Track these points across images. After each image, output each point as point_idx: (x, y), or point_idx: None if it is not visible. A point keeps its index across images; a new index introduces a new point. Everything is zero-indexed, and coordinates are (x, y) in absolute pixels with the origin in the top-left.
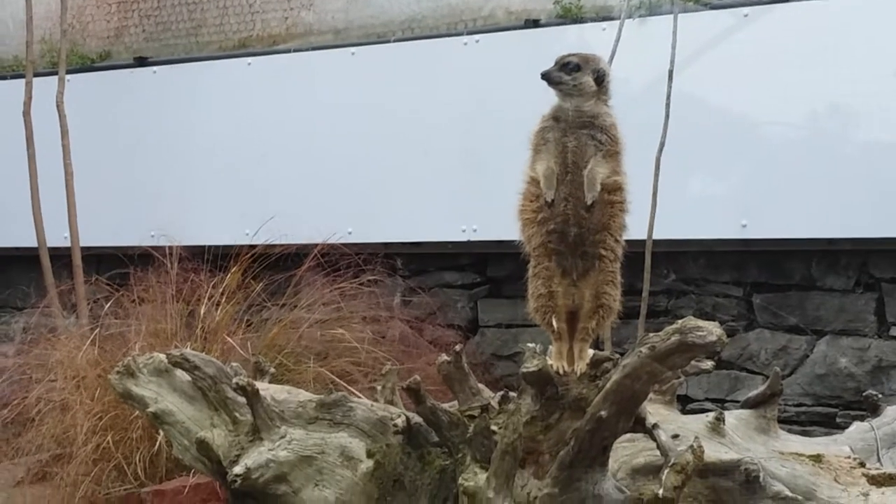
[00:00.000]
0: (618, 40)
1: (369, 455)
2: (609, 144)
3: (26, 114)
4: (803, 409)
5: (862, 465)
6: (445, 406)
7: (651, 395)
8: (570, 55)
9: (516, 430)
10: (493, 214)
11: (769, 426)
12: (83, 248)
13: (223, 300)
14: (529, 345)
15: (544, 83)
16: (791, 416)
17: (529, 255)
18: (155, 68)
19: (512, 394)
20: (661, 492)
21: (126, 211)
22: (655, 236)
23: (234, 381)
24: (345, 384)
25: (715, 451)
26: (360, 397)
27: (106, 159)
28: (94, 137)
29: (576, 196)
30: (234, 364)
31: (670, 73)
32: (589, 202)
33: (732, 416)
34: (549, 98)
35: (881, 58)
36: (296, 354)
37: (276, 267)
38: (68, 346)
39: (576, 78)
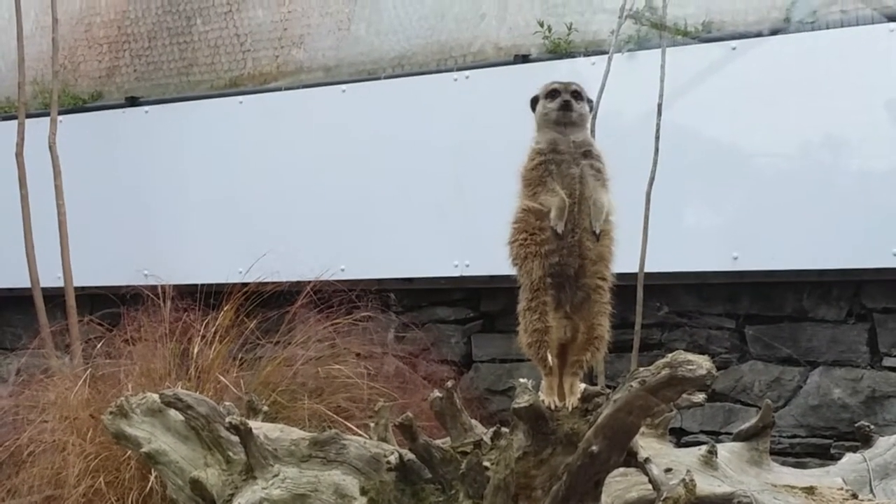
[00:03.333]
0: (607, 74)
1: (363, 492)
2: (604, 173)
3: (19, 155)
4: (797, 440)
5: (854, 496)
6: (438, 442)
7: (643, 429)
8: (572, 83)
9: (508, 466)
10: (486, 249)
11: (762, 458)
12: (76, 288)
13: (216, 339)
14: (521, 380)
15: (533, 115)
16: (785, 448)
17: (526, 288)
18: (146, 108)
19: (504, 429)
20: None
21: (119, 251)
22: (647, 269)
23: (227, 420)
24: (342, 420)
25: (708, 485)
26: (359, 433)
27: (98, 199)
28: (86, 178)
29: (582, 227)
30: (227, 403)
31: (659, 106)
32: (597, 231)
33: (725, 449)
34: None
35: (870, 89)
36: (290, 392)
37: (268, 304)
38: (61, 386)
39: (582, 107)
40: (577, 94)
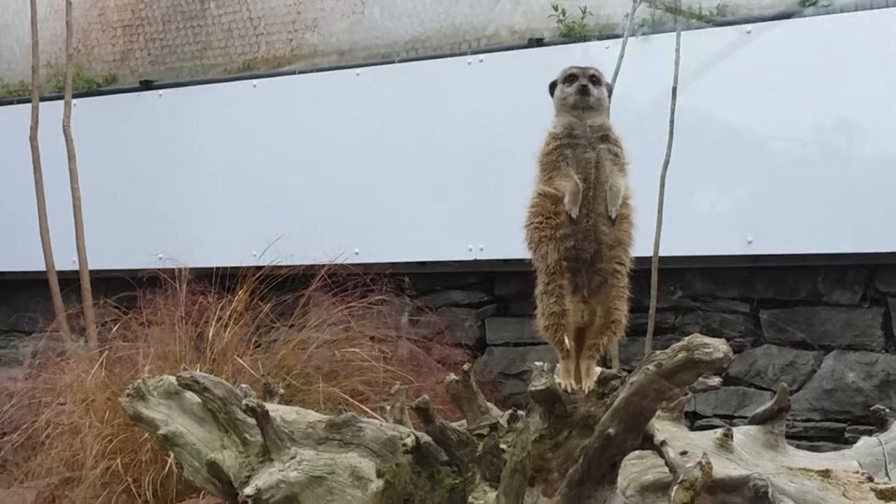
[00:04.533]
0: (621, 58)
1: (379, 475)
2: (622, 157)
3: (33, 138)
4: (812, 424)
5: (870, 479)
6: (454, 425)
7: (659, 412)
8: (590, 67)
9: (525, 449)
10: (500, 233)
11: (777, 442)
12: (91, 272)
13: (231, 322)
14: (537, 363)
15: (549, 99)
16: (800, 432)
17: (542, 272)
18: (161, 91)
19: (520, 412)
20: None
21: (133, 234)
22: (662, 253)
23: (244, 402)
24: (357, 403)
25: (723, 468)
26: (374, 415)
27: (113, 183)
28: (100, 161)
29: (597, 211)
30: (243, 385)
31: (674, 90)
32: (613, 216)
33: (740, 432)
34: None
35: (885, 72)
36: (305, 375)
37: (283, 287)
38: (77, 369)
39: (601, 91)
40: (595, 79)
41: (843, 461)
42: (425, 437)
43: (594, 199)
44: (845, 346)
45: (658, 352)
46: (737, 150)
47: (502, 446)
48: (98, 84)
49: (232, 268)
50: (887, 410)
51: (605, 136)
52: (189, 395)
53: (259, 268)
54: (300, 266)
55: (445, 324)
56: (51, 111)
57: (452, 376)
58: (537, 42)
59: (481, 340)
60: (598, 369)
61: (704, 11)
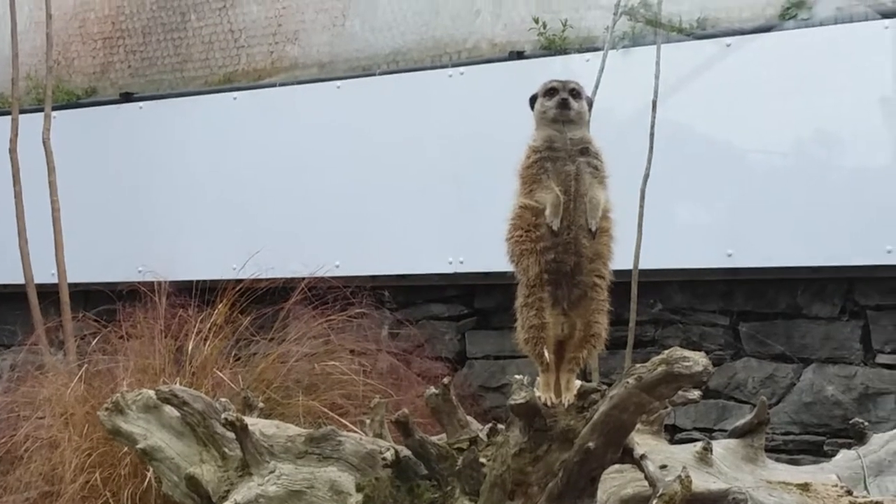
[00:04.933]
0: (602, 71)
1: (358, 489)
2: (602, 170)
3: (12, 151)
4: (791, 437)
5: (849, 493)
6: (434, 439)
7: (639, 426)
8: (570, 81)
9: (505, 463)
10: (480, 246)
11: (757, 455)
12: (70, 285)
13: (211, 335)
14: (517, 376)
15: (530, 112)
16: (779, 445)
17: (522, 285)
18: (141, 104)
19: (500, 426)
20: None
21: (113, 247)
22: (641, 266)
23: (223, 416)
24: (337, 416)
25: (703, 481)
26: (353, 429)
27: (93, 195)
28: (80, 173)
29: (578, 224)
30: (222, 399)
31: (654, 103)
32: (593, 229)
33: (720, 446)
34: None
35: (863, 85)
36: (284, 388)
37: (263, 301)
38: (56, 383)
39: (581, 105)
40: (576, 93)
41: (823, 474)
42: (405, 451)
43: (574, 212)
44: (824, 359)
45: (638, 365)
46: (717, 163)
47: (482, 460)
48: (78, 96)
49: (212, 281)
50: (866, 424)
51: (585, 149)
52: (168, 408)
53: (239, 281)
54: (280, 279)
55: (425, 337)
56: (30, 123)
57: (432, 390)
58: (518, 55)
59: (461, 354)
60: (578, 383)
61: (685, 25)
